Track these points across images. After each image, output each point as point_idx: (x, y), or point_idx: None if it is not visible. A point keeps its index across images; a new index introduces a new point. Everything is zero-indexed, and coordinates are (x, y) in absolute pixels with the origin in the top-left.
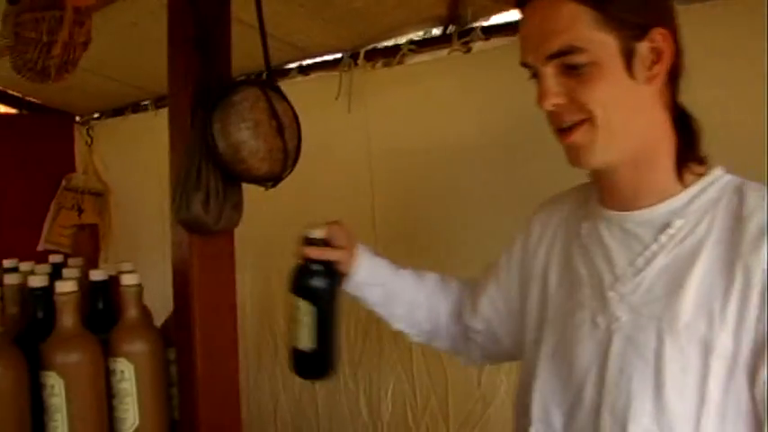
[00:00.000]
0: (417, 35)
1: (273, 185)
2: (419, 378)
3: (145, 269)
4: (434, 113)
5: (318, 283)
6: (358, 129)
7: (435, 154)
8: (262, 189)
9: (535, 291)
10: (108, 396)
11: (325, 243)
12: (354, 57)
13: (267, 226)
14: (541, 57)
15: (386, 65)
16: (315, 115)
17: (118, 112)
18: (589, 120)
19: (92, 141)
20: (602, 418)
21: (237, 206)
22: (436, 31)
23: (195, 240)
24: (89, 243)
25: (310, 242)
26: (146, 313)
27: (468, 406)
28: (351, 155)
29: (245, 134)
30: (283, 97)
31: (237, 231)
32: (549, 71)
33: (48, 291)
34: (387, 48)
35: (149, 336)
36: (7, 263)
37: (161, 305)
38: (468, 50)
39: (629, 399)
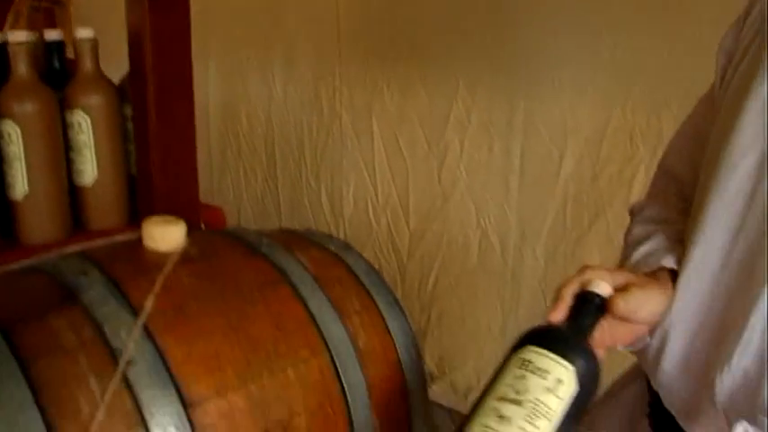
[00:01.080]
0: None
1: None
2: (381, 174)
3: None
4: None
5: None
6: None
7: None
8: None
9: None
10: (66, 149)
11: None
12: None
13: (231, 16)
14: None
15: None
16: None
17: None
18: None
19: None
20: None
21: None
22: None
23: None
24: (45, 25)
25: (587, 301)
26: (101, 70)
27: (428, 201)
28: None
29: None
30: None
31: (199, 19)
32: None
33: (2, 47)
34: None
35: (105, 89)
36: None
37: None
38: None
39: None
